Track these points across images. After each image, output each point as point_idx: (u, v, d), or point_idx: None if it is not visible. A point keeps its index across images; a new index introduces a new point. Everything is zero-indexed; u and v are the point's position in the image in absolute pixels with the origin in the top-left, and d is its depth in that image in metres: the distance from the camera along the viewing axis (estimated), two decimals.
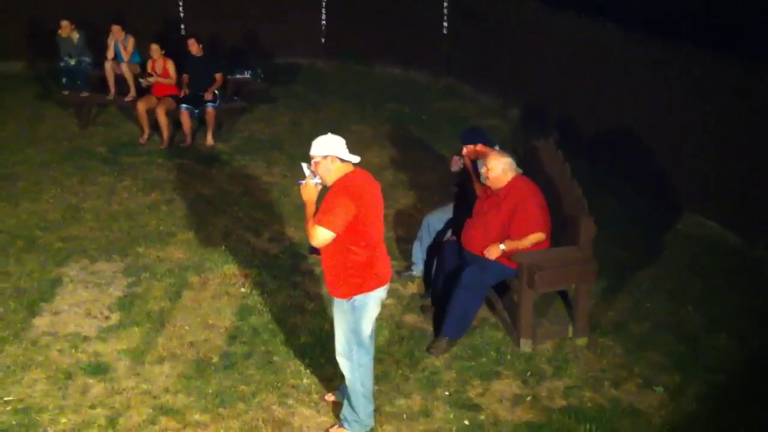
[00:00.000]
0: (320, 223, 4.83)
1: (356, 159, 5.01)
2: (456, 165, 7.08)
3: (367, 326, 5.11)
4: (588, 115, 10.14)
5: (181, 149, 10.45)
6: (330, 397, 5.62)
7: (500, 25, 11.97)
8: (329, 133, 5.04)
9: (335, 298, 5.11)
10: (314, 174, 4.96)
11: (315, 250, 5.16)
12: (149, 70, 10.76)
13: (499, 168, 6.21)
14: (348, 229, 4.86)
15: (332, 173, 4.95)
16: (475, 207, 6.52)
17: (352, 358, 5.11)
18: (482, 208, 6.39)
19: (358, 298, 5.01)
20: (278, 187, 9.28)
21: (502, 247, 6.19)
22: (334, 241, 4.89)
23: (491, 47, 12.24)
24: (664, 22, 9.61)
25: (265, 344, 6.24)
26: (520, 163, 6.53)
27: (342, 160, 4.95)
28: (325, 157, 4.92)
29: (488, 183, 6.30)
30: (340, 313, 5.10)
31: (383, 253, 5.16)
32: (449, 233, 7.05)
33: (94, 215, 8.40)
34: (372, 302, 5.08)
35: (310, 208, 4.96)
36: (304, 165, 5.02)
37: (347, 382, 5.19)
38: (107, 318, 6.55)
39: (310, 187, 4.97)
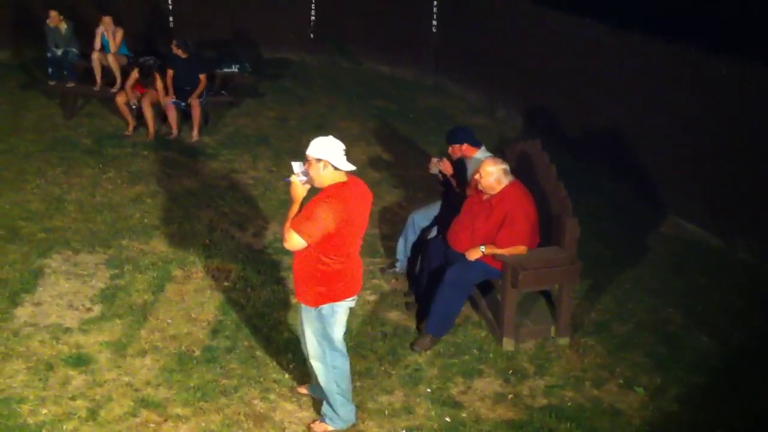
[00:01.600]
0: (296, 229, 4.72)
1: (351, 168, 4.84)
2: (434, 167, 7.02)
3: (339, 331, 5.09)
4: (575, 113, 10.19)
5: (166, 142, 10.40)
6: (302, 390, 5.60)
7: (488, 24, 11.99)
8: (330, 136, 4.86)
9: (301, 303, 5.06)
10: (303, 173, 4.83)
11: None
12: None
13: (492, 176, 6.17)
14: (322, 240, 4.76)
15: (322, 178, 4.81)
16: (464, 206, 6.50)
17: (326, 362, 5.08)
18: (471, 209, 6.36)
19: (325, 307, 4.96)
20: (264, 182, 9.26)
21: (482, 249, 6.20)
22: (306, 248, 4.80)
23: (479, 45, 12.25)
24: (648, 19, 9.65)
25: (247, 339, 6.23)
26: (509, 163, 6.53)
27: (335, 168, 4.81)
28: (319, 160, 4.77)
29: (480, 188, 6.28)
30: (308, 319, 5.04)
31: (356, 265, 5.08)
32: (434, 231, 7.05)
33: (78, 207, 8.35)
34: (340, 310, 5.03)
35: (294, 207, 4.84)
36: (294, 163, 4.88)
37: (321, 384, 5.17)
38: (89, 310, 6.52)
39: (297, 186, 4.84)
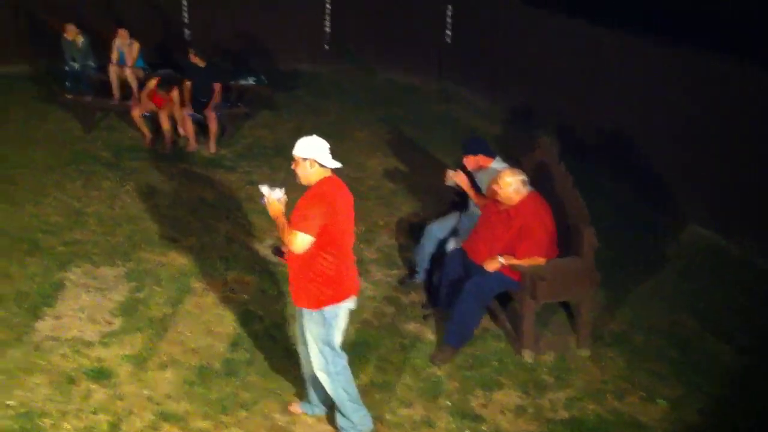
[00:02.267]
0: (298, 228, 4.84)
1: (336, 165, 5.02)
2: (450, 180, 7.01)
3: (339, 336, 5.14)
4: (575, 113, 10.21)
5: (184, 154, 10.45)
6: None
7: (499, 32, 12.02)
8: (314, 135, 5.07)
9: (303, 309, 5.07)
10: (279, 190, 5.02)
11: (280, 253, 5.17)
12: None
13: (511, 187, 6.17)
14: (320, 235, 4.86)
15: (310, 176, 4.99)
16: (481, 217, 6.52)
17: (329, 370, 5.11)
18: (489, 220, 6.36)
19: (329, 308, 5.00)
20: None
21: (501, 260, 6.19)
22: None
23: (491, 53, 12.28)
24: (648, 19, 9.64)
25: (266, 351, 6.24)
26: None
27: (321, 165, 4.97)
28: (305, 159, 4.96)
29: (499, 199, 6.27)
30: (311, 324, 5.05)
31: (352, 265, 5.16)
32: (452, 242, 7.04)
33: (97, 219, 8.40)
34: (342, 313, 5.09)
35: (281, 221, 4.99)
36: (262, 187, 5.08)
37: (330, 393, 5.18)
38: (110, 323, 6.54)
39: (273, 203, 5.00)
